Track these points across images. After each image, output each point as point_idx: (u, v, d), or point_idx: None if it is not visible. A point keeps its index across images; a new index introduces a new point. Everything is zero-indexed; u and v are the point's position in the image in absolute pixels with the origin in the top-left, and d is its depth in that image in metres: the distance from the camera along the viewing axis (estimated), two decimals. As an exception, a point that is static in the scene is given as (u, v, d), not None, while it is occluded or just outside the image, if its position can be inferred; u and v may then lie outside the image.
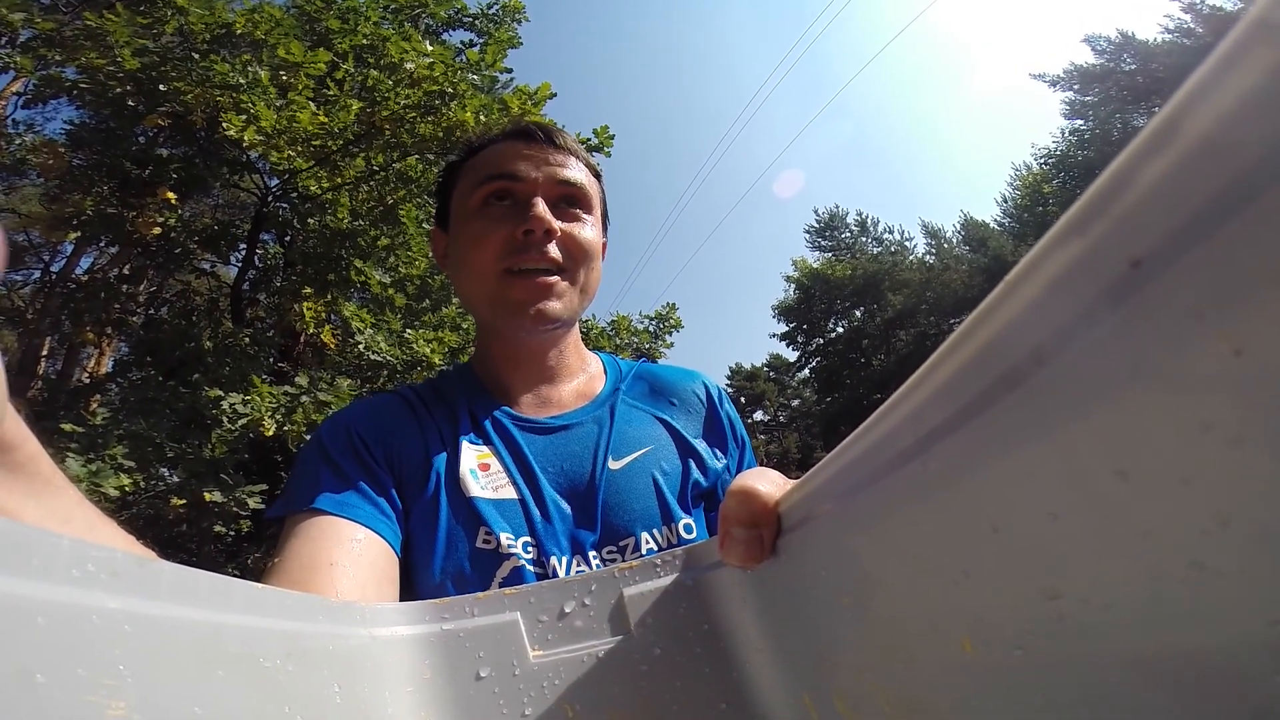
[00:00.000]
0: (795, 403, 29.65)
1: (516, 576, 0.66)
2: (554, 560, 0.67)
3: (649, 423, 0.80)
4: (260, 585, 0.29)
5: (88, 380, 6.62)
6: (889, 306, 22.40)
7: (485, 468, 0.71)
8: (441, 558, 0.66)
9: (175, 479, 4.21)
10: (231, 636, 0.27)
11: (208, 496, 4.02)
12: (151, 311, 6.86)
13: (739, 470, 0.83)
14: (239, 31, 4.66)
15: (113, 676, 0.21)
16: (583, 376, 0.84)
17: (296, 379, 4.52)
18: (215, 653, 0.25)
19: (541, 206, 0.73)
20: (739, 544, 0.35)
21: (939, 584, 0.23)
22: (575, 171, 0.78)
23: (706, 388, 0.86)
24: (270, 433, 4.20)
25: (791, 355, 26.59)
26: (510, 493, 0.70)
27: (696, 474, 0.77)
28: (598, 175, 0.84)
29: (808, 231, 26.40)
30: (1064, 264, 0.16)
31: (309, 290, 5.49)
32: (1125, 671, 0.18)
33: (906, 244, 25.08)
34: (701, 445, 0.80)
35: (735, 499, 0.36)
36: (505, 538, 0.67)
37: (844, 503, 0.28)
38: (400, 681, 0.35)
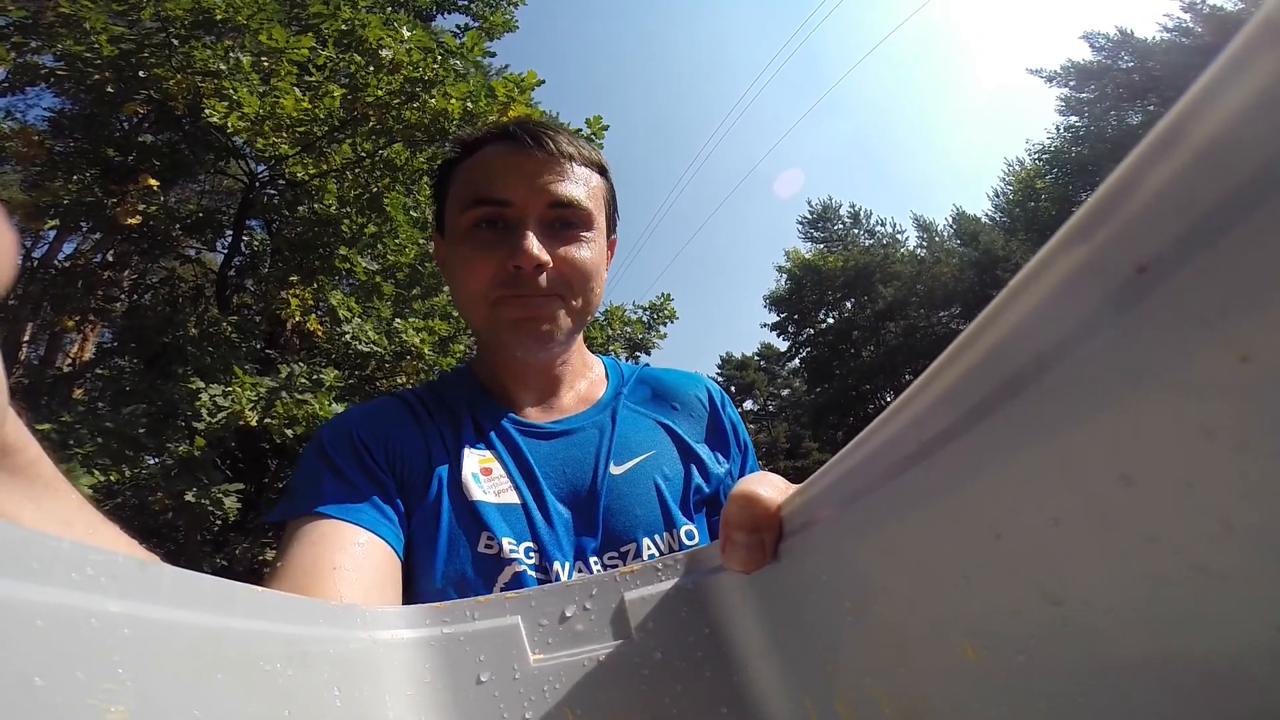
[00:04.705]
0: (785, 392, 29.73)
1: (518, 582, 0.65)
2: (556, 565, 0.67)
3: (651, 427, 0.79)
4: (261, 589, 0.29)
5: (70, 367, 6.53)
6: (879, 298, 22.47)
7: (487, 472, 0.71)
8: (443, 562, 0.66)
9: (158, 466, 4.15)
10: (232, 640, 0.26)
11: (186, 498, 3.97)
12: (135, 298, 6.76)
13: (741, 475, 0.82)
14: (219, 17, 4.57)
15: (112, 680, 0.21)
16: (585, 381, 0.83)
17: (278, 369, 4.46)
18: (215, 656, 0.25)
19: (531, 239, 0.69)
20: (740, 549, 0.36)
21: (941, 589, 0.24)
22: (571, 186, 0.73)
23: (709, 392, 0.86)
24: (254, 423, 4.15)
25: (782, 345, 26.63)
26: (512, 497, 0.70)
27: (699, 479, 0.77)
28: (603, 171, 0.80)
29: (800, 222, 26.42)
30: (1069, 270, 0.16)
31: (295, 278, 5.43)
32: (1128, 676, 0.18)
33: (898, 237, 25.15)
34: (704, 450, 0.80)
35: (737, 504, 0.36)
36: (507, 543, 0.66)
37: (846, 508, 0.28)
38: (400, 685, 0.35)
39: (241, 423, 4.12)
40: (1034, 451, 0.18)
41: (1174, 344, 0.13)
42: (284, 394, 4.23)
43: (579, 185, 0.74)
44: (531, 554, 0.67)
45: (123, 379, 4.55)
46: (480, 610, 0.39)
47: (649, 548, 0.70)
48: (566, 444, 0.75)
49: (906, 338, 20.98)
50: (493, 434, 0.74)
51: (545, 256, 0.70)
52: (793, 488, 0.37)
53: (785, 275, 25.36)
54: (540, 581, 0.66)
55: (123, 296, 6.64)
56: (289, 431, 4.23)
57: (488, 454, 0.72)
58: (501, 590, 0.64)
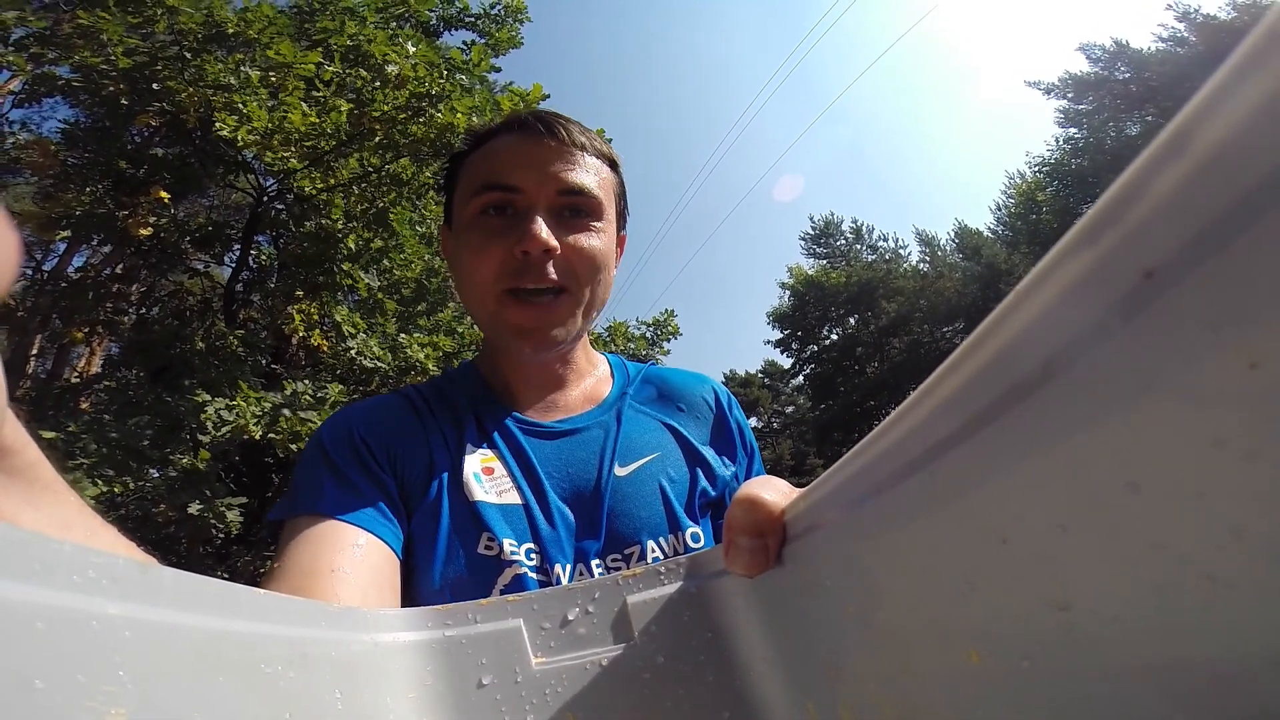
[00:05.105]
0: (789, 409, 29.67)
1: (518, 584, 0.64)
2: (558, 568, 0.66)
3: (656, 429, 0.78)
4: (262, 591, 0.29)
5: (77, 380, 6.57)
6: (883, 314, 22.45)
7: (489, 472, 0.70)
8: (442, 563, 0.65)
9: (161, 480, 4.15)
10: (233, 642, 0.26)
11: (190, 510, 3.97)
12: (143, 311, 6.80)
13: (747, 478, 0.81)
14: (231, 31, 4.64)
15: (112, 682, 0.21)
16: (590, 379, 0.82)
17: (283, 385, 4.47)
18: (216, 659, 0.25)
19: (539, 224, 0.68)
20: (744, 553, 0.35)
21: (946, 594, 0.23)
22: (582, 174, 0.72)
23: (716, 393, 0.85)
24: (258, 437, 4.15)
25: (786, 362, 26.62)
26: (514, 498, 0.68)
27: (704, 482, 0.76)
28: (615, 165, 0.79)
29: (803, 238, 26.49)
30: (1075, 275, 0.15)
31: (300, 293, 5.46)
32: (1134, 683, 0.18)
33: (901, 251, 25.16)
34: (709, 452, 0.78)
35: (740, 507, 0.36)
36: (508, 544, 0.65)
37: (850, 512, 0.28)
38: (402, 688, 0.35)
39: (246, 437, 4.12)
40: (1041, 457, 0.17)
41: (1182, 350, 0.13)
42: (287, 411, 4.23)
43: (589, 174, 0.73)
44: (533, 555, 0.66)
45: (129, 391, 4.56)
46: (482, 613, 0.39)
47: (653, 550, 0.69)
48: (570, 444, 0.74)
49: (910, 353, 20.93)
50: (495, 433, 0.73)
51: (554, 242, 0.68)
52: (797, 491, 0.37)
53: (788, 292, 25.38)
54: (541, 584, 0.65)
55: (130, 310, 6.68)
56: (293, 447, 4.23)
57: (490, 453, 0.71)
58: (501, 592, 0.64)
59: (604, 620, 0.40)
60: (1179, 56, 15.57)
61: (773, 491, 0.37)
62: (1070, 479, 0.17)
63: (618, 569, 0.68)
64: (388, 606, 0.58)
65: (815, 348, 24.73)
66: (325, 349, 5.59)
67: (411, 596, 0.65)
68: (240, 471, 5.57)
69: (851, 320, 23.85)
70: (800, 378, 26.21)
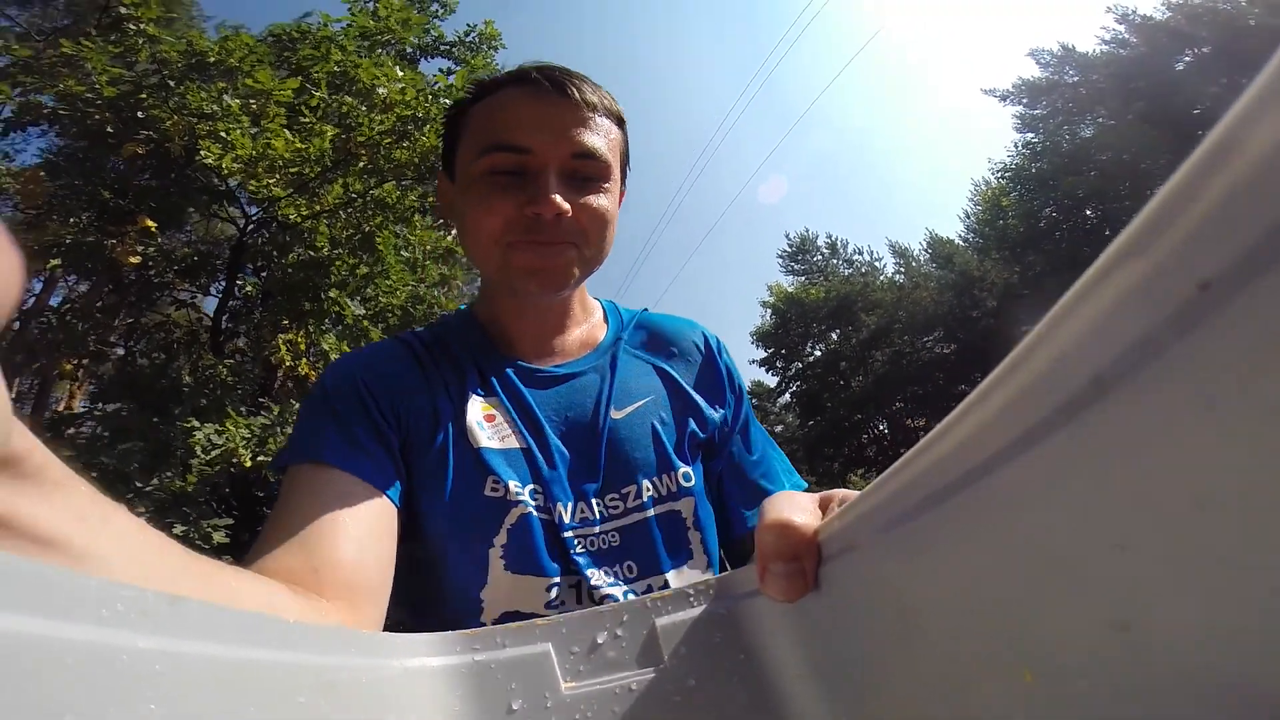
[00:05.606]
0: (779, 428, 29.63)
1: (524, 523, 0.67)
2: (559, 506, 0.69)
3: (649, 373, 0.81)
4: (289, 620, 0.29)
5: (62, 413, 6.43)
6: (863, 327, 22.52)
7: (491, 419, 0.72)
8: (450, 506, 0.66)
9: (151, 501, 4.11)
10: (262, 673, 0.26)
11: (175, 531, 3.92)
12: (131, 342, 6.71)
13: (735, 419, 0.84)
14: (211, 60, 4.66)
15: (143, 716, 0.20)
16: (586, 325, 0.84)
17: (272, 408, 4.45)
18: (246, 690, 0.25)
19: (553, 187, 0.68)
20: (780, 579, 0.34)
21: (995, 615, 0.23)
22: (594, 137, 0.71)
23: (705, 337, 0.87)
24: (248, 464, 4.11)
25: (772, 381, 26.64)
26: (516, 443, 0.71)
27: (694, 425, 0.79)
28: (621, 122, 0.78)
29: (780, 256, 26.72)
30: (1122, 288, 0.15)
31: (286, 321, 5.43)
32: (1200, 703, 0.17)
33: (876, 264, 25.39)
34: (699, 395, 0.81)
35: (772, 533, 0.35)
36: (513, 485, 0.67)
37: (889, 533, 0.28)
38: (431, 714, 0.34)
39: (235, 460, 4.09)
40: (1094, 477, 0.17)
41: (1243, 365, 0.13)
42: (278, 430, 4.21)
43: (600, 136, 0.73)
44: (536, 495, 0.69)
45: (116, 418, 4.52)
46: (510, 637, 0.38)
47: (648, 489, 0.73)
48: (568, 389, 0.77)
49: (893, 365, 20.95)
50: (495, 381, 0.75)
51: (566, 206, 0.69)
52: (820, 501, 0.37)
53: (770, 310, 25.51)
54: (544, 523, 0.68)
55: (116, 343, 6.58)
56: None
57: (491, 401, 0.74)
58: (509, 532, 0.67)
59: (633, 643, 0.39)
60: (1122, 58, 15.81)
61: (802, 513, 0.35)
62: (1126, 497, 0.16)
63: (615, 508, 0.72)
64: (384, 557, 0.60)
65: (799, 364, 24.77)
66: (314, 378, 5.53)
67: (420, 540, 0.66)
68: (230, 504, 5.49)
69: (833, 335, 23.92)
70: (787, 395, 26.21)
